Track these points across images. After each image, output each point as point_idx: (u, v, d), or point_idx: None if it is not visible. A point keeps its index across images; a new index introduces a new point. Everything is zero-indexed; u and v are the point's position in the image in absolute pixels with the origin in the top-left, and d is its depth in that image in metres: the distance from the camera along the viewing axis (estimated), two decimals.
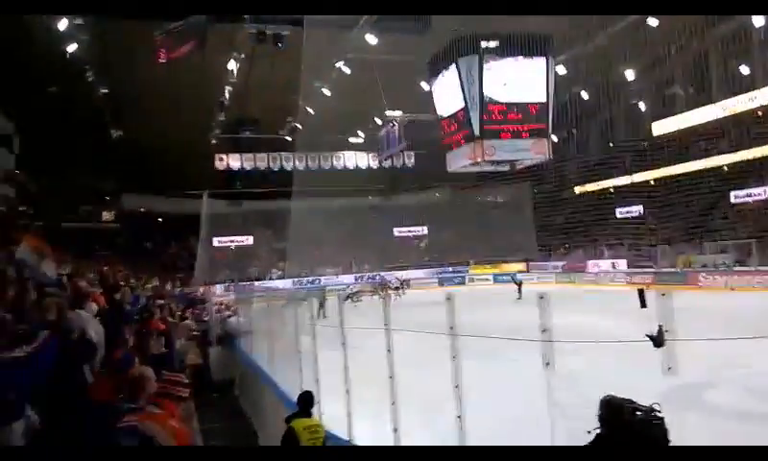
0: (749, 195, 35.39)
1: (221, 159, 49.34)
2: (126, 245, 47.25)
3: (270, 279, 46.58)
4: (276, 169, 48.84)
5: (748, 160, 34.87)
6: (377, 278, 45.04)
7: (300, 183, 40.28)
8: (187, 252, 49.18)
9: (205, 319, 18.73)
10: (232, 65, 32.98)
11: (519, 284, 31.28)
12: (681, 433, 4.43)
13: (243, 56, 32.31)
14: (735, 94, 34.96)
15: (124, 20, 26.99)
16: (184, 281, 37.65)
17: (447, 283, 45.48)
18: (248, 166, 49.82)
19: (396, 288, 35.32)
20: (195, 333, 18.01)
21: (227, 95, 36.26)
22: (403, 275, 45.19)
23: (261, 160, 49.55)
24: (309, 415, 6.73)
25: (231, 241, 51.68)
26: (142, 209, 52.03)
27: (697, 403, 9.69)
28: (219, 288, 41.06)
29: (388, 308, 7.01)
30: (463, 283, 46.66)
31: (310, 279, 47.34)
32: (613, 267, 39.70)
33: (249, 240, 51.90)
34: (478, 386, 8.00)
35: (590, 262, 42.08)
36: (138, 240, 50.23)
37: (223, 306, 22.39)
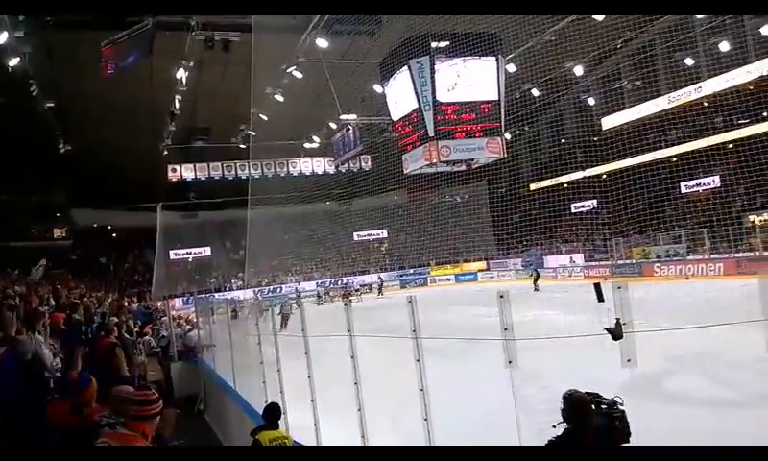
0: (698, 185, 36.40)
1: (173, 170, 48.47)
2: (79, 261, 46.11)
3: (230, 289, 46.02)
4: (230, 178, 48.24)
5: (696, 151, 35.84)
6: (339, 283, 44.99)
7: (255, 191, 39.88)
8: (143, 266, 48.26)
9: (165, 334, 18.35)
10: (181, 73, 32.42)
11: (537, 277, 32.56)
12: (641, 423, 4.51)
13: (192, 63, 31.80)
14: (681, 86, 35.91)
15: (69, 31, 26.40)
16: (142, 296, 36.93)
17: (409, 285, 45.68)
18: (201, 176, 49.06)
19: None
20: (155, 349, 17.67)
21: (176, 104, 35.63)
22: (365, 279, 45.25)
23: (215, 170, 48.86)
24: (276, 427, 6.66)
25: (188, 253, 50.89)
26: (95, 225, 50.83)
27: (657, 393, 9.90)
28: (178, 302, 40.39)
29: (351, 314, 6.98)
30: (425, 285, 46.91)
31: (271, 287, 46.97)
32: (571, 261, 40.38)
33: (206, 251, 51.18)
34: (443, 387, 8.01)
35: (549, 258, 42.74)
36: (92, 256, 49.06)
37: (182, 320, 22.01)
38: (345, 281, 45.26)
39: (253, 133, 40.12)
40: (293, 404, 8.28)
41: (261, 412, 7.03)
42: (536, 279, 33.33)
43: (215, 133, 45.47)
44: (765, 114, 33.05)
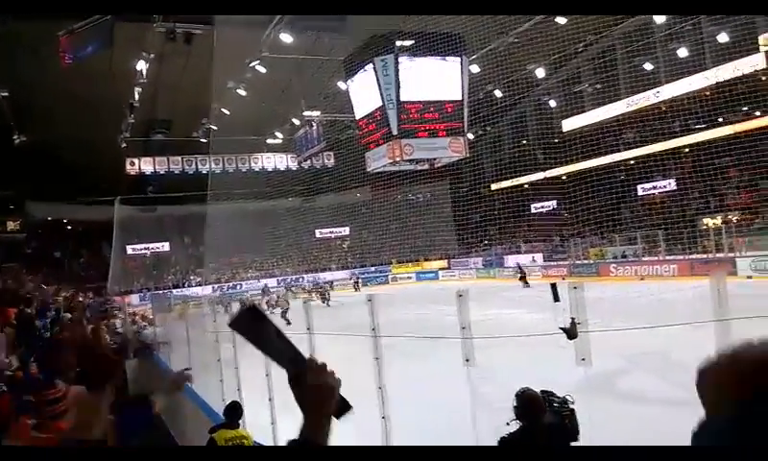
0: (654, 187, 37.22)
1: (132, 164, 47.49)
2: (34, 255, 44.90)
3: (188, 286, 45.38)
4: (191, 172, 47.50)
5: (653, 154, 36.64)
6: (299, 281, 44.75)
7: (216, 186, 39.39)
8: (99, 260, 47.25)
9: (120, 330, 18.01)
10: (142, 66, 31.78)
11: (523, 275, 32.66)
12: (594, 420, 4.58)
13: (152, 56, 31.19)
14: (640, 90, 36.67)
15: (26, 21, 25.63)
16: (97, 292, 36.18)
17: (371, 283, 45.67)
18: (161, 170, 48.18)
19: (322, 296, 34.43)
20: (112, 346, 17.30)
21: (136, 96, 34.93)
22: (326, 276, 45.10)
23: (175, 164, 48.02)
24: (236, 426, 6.60)
25: (146, 248, 50.01)
26: (49, 217, 49.55)
27: (610, 391, 10.09)
28: (135, 298, 39.68)
29: (310, 312, 6.95)
30: (386, 283, 46.97)
31: (231, 284, 46.48)
32: (533, 261, 40.87)
33: (165, 247, 50.35)
34: (402, 385, 8.03)
35: (510, 257, 43.20)
36: (46, 250, 47.82)
37: (138, 317, 21.64)
38: (314, 278, 45.00)
39: (215, 128, 39.63)
40: (250, 403, 8.20)
41: (222, 411, 6.97)
42: (522, 277, 33.26)
43: (176, 127, 44.70)
44: (721, 120, 33.98)
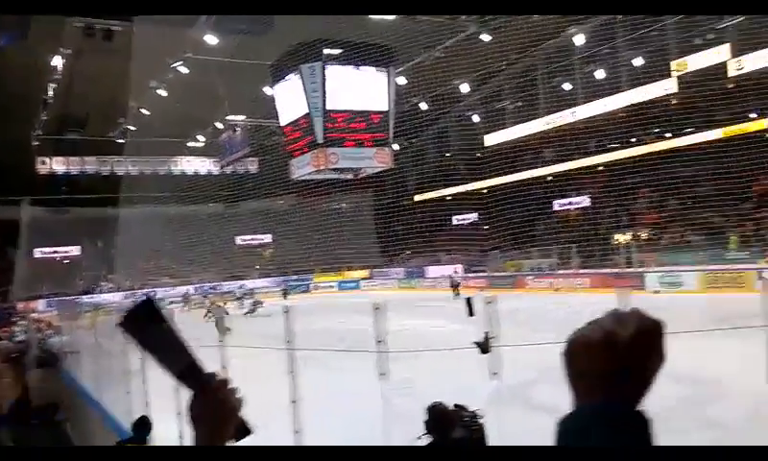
0: (570, 203, 38.55)
1: (43, 163, 45.28)
2: None
3: (100, 292, 43.52)
4: (106, 173, 45.67)
5: (569, 171, 38.00)
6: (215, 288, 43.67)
7: (133, 189, 38.07)
8: (4, 264, 44.66)
9: (22, 338, 17.03)
10: (57, 61, 30.41)
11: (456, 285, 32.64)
12: (506, 432, 4.63)
13: (69, 51, 29.90)
14: (558, 109, 37.98)
15: None
16: (4, 297, 34.27)
17: (293, 292, 45.09)
18: (74, 170, 46.13)
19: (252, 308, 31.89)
20: (13, 355, 16.33)
21: (50, 93, 33.36)
22: (247, 284, 44.21)
23: (90, 164, 46.10)
24: (144, 441, 6.32)
25: (56, 252, 47.63)
26: None
27: (524, 403, 10.28)
28: (41, 304, 37.77)
29: (222, 322, 6.75)
30: (308, 291, 46.55)
31: (145, 291, 44.86)
32: (456, 272, 41.42)
33: (75, 251, 48.13)
34: (316, 398, 7.91)
35: (430, 268, 43.70)
36: None
37: (43, 324, 20.54)
38: (240, 285, 43.93)
39: (133, 128, 38.34)
40: (158, 417, 7.88)
41: (130, 425, 6.67)
42: (455, 287, 33.43)
43: (91, 126, 42.92)
44: (633, 140, 35.63)
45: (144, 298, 1.26)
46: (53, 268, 46.41)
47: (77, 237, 46.93)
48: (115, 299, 38.71)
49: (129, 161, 44.79)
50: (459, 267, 41.81)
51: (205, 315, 25.04)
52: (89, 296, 39.65)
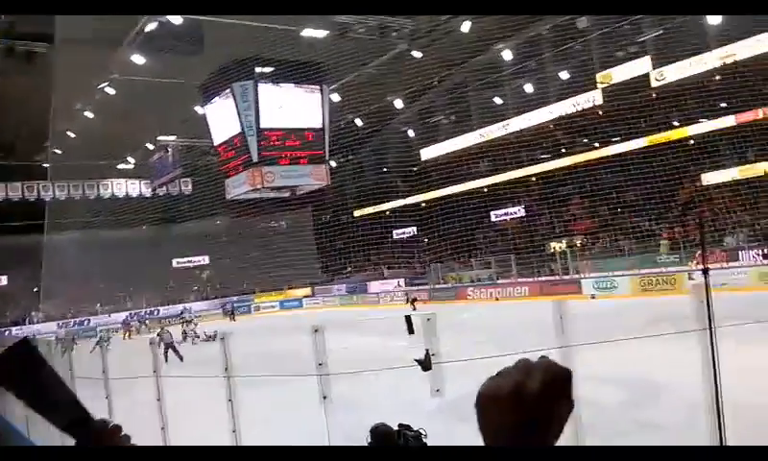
0: (506, 214, 39.27)
1: None
2: None
3: (30, 323, 41.65)
4: (32, 199, 43.80)
5: (504, 182, 38.74)
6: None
7: (61, 214, 36.68)
8: None
9: None
10: None
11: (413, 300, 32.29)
12: (450, 444, 4.58)
13: None
14: (491, 122, 38.70)
15: None
16: None
17: (238, 313, 44.17)
18: None
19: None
20: None
21: None
22: (185, 307, 43.11)
23: (14, 190, 44.17)
24: None
25: None
26: None
27: (467, 418, 10.27)
28: None
29: (158, 351, 6.48)
30: (249, 313, 45.73)
31: (78, 319, 43.20)
32: (399, 285, 41.50)
33: (2, 280, 45.92)
34: (257, 423, 7.70)
35: (373, 283, 43.68)
36: None
37: None
38: (183, 309, 42.61)
39: (59, 152, 36.99)
40: None
41: None
42: (412, 301, 33.36)
43: (16, 151, 41.16)
44: (563, 150, 36.64)
45: (19, 340, 1.10)
46: None
47: (4, 266, 44.78)
48: (48, 329, 37.16)
49: (56, 186, 43.14)
50: (401, 281, 41.95)
51: (156, 342, 23.44)
52: (18, 327, 37.92)
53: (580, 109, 33.87)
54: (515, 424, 0.84)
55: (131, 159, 43.91)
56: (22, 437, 10.61)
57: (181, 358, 20.86)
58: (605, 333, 12.03)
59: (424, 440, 4.07)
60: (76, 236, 40.17)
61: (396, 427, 4.25)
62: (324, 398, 5.21)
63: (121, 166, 45.05)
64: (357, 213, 47.83)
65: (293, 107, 26.64)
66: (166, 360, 20.34)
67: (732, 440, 5.16)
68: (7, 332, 36.19)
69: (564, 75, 35.05)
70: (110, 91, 29.94)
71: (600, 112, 34.38)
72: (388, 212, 45.58)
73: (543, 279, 32.67)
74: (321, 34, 26.39)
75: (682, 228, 29.64)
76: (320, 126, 27.53)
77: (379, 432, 3.99)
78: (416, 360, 4.71)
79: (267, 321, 36.80)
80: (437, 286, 37.59)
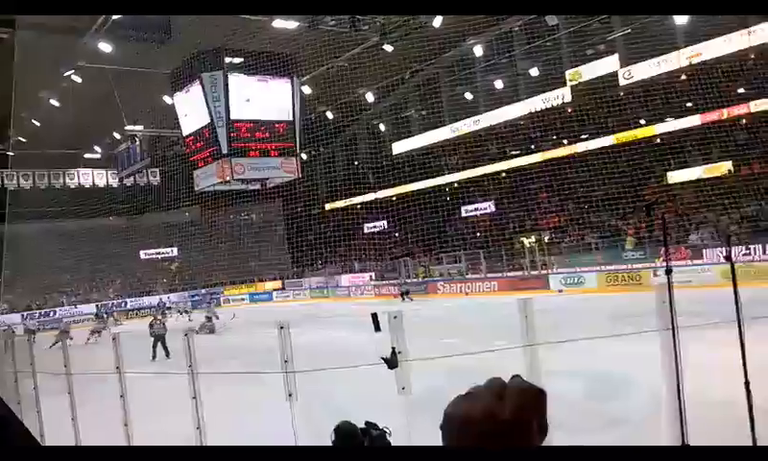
0: (476, 209, 39.50)
1: None
2: None
3: None
4: None
5: (474, 177, 38.95)
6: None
7: (25, 204, 35.91)
8: None
9: None
10: None
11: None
12: (415, 443, 4.60)
13: None
14: (462, 118, 38.86)
15: None
16: None
17: (200, 307, 43.74)
18: None
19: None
20: None
21: None
22: (152, 300, 42.61)
23: None
24: None
25: None
26: None
27: (437, 412, 10.31)
28: None
29: (118, 347, 6.38)
30: (218, 305, 45.28)
31: (44, 310, 42.38)
32: (371, 279, 41.48)
33: None
34: (222, 421, 7.64)
35: (343, 277, 43.62)
36: None
37: None
38: (159, 301, 41.84)
39: (23, 140, 36.21)
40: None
41: None
42: (406, 294, 33.36)
43: None
44: (533, 146, 36.95)
45: None
46: None
47: None
48: (12, 320, 36.42)
49: (20, 174, 42.25)
50: (372, 274, 41.96)
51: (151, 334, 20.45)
52: None
53: (549, 105, 34.18)
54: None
55: (97, 149, 43.17)
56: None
57: (168, 354, 18.52)
58: (571, 328, 12.22)
59: (389, 438, 4.08)
60: (41, 226, 39.39)
61: (362, 425, 4.25)
62: (290, 395, 5.17)
63: (88, 156, 44.28)
64: (328, 206, 47.70)
65: (263, 98, 26.39)
66: (154, 357, 18.91)
67: (693, 437, 5.27)
68: None
69: (535, 71, 35.33)
70: (77, 79, 29.37)
71: (569, 110, 34.74)
72: (359, 206, 45.53)
73: (512, 274, 32.94)
74: (291, 25, 26.18)
75: (646, 225, 30.17)
76: (290, 118, 27.31)
77: (342, 431, 3.98)
78: (382, 358, 4.72)
79: (239, 313, 36.50)
80: (407, 280, 37.67)
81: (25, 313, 41.32)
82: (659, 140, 31.69)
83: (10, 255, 33.62)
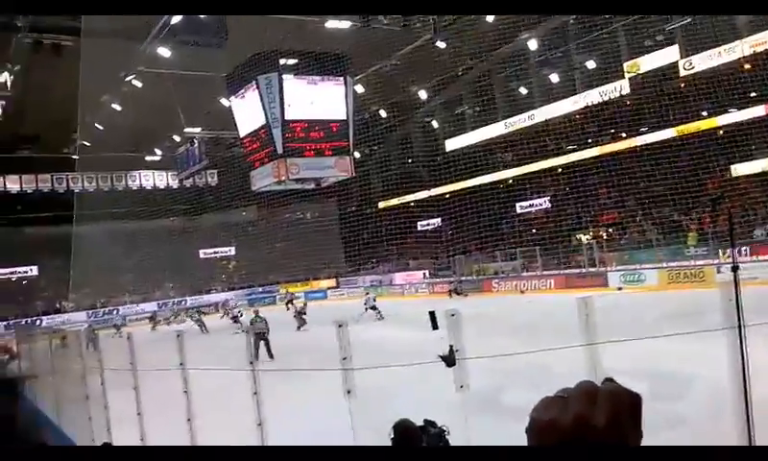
0: (531, 205, 38.99)
1: None
2: None
3: (60, 312, 42.46)
4: (61, 191, 44.59)
5: (529, 173, 38.44)
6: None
7: (89, 206, 37.25)
8: None
9: None
10: (5, 77, 29.65)
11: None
12: (475, 440, 4.59)
13: (18, 67, 29.20)
14: (516, 113, 38.42)
15: None
16: None
17: (258, 304, 44.51)
18: (28, 188, 44.99)
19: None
20: None
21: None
22: (211, 298, 43.62)
23: (44, 182, 45.03)
24: None
25: (12, 273, 46.32)
26: None
27: (493, 410, 10.22)
28: None
29: (182, 345, 6.56)
30: (274, 303, 46.05)
31: (107, 309, 43.95)
32: (425, 277, 41.49)
33: (33, 271, 46.87)
34: (283, 417, 7.78)
35: (397, 275, 43.71)
36: None
37: (0, 348, 19.85)
38: (226, 300, 42.81)
39: (87, 144, 37.58)
40: (122, 442, 7.65)
41: None
42: (455, 291, 33.48)
43: (44, 143, 41.89)
44: (590, 141, 36.20)
45: None
46: (9, 289, 45.13)
47: (34, 257, 45.73)
48: (77, 318, 37.87)
49: (84, 177, 43.87)
50: (426, 272, 41.92)
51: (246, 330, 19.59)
52: (49, 317, 38.67)
53: (607, 98, 33.44)
54: None
55: (158, 151, 44.45)
56: (51, 424, 10.86)
57: (272, 356, 17.34)
58: (633, 327, 11.94)
59: (447, 437, 4.09)
60: (104, 227, 40.80)
61: (420, 423, 4.27)
62: (349, 392, 5.23)
63: (148, 158, 45.64)
64: (382, 205, 47.86)
65: (317, 98, 26.60)
66: (257, 356, 16.54)
67: (760, 438, 5.09)
68: (37, 322, 36.95)
69: (591, 64, 34.61)
70: (137, 84, 30.33)
71: (628, 102, 33.90)
72: (412, 204, 45.53)
73: (569, 271, 32.37)
74: (344, 25, 26.41)
75: (711, 219, 29.15)
76: (344, 117, 27.45)
77: (401, 429, 4.00)
78: (440, 356, 4.72)
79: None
80: (462, 278, 37.47)
81: (90, 312, 42.93)
82: (721, 132, 30.58)
83: (75, 257, 35.00)
